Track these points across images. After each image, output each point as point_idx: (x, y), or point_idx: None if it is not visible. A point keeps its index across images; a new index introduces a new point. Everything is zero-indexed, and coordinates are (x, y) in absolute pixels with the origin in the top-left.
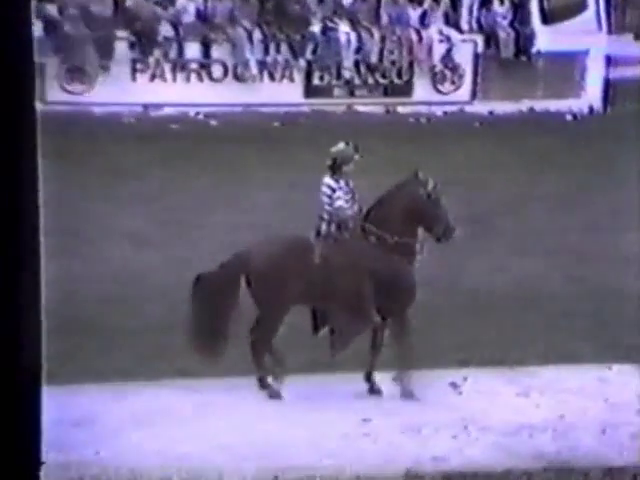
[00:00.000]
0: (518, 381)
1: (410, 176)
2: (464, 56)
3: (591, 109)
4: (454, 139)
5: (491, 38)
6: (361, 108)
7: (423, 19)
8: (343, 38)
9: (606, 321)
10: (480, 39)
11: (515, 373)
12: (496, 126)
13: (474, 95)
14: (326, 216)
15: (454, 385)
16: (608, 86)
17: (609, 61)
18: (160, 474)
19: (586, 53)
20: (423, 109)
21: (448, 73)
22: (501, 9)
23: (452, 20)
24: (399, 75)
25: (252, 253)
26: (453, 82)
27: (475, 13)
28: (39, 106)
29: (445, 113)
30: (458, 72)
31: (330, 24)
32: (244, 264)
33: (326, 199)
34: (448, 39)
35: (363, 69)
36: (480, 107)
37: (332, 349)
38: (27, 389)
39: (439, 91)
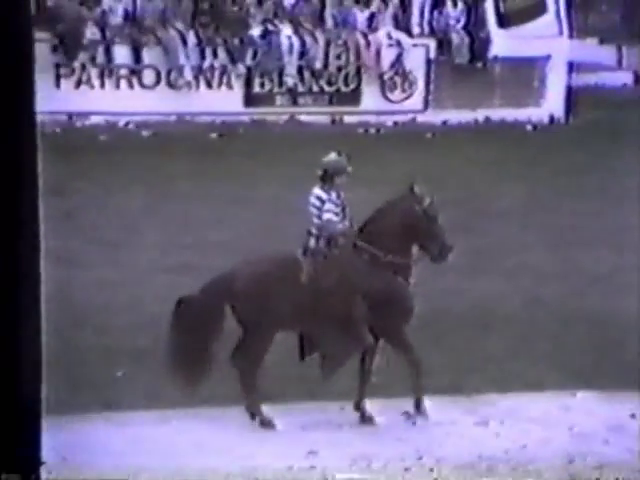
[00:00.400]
0: (476, 410)
1: (405, 191)
2: (415, 62)
3: (552, 118)
4: (405, 151)
5: (444, 43)
6: (305, 118)
7: (371, 22)
8: (285, 42)
9: (569, 345)
10: (432, 44)
11: (473, 402)
12: (450, 137)
13: (426, 104)
14: (315, 231)
15: (408, 414)
16: (570, 94)
17: (571, 67)
18: None
19: (547, 59)
20: (372, 119)
21: (398, 80)
22: (454, 12)
23: (402, 23)
24: (346, 82)
25: (235, 275)
26: (404, 90)
27: (427, 16)
28: None
29: (395, 123)
30: (409, 79)
31: (271, 27)
32: (227, 288)
33: (315, 211)
34: (398, 43)
35: (307, 76)
36: (433, 117)
37: (323, 373)
38: (27, 389)
39: (389, 100)
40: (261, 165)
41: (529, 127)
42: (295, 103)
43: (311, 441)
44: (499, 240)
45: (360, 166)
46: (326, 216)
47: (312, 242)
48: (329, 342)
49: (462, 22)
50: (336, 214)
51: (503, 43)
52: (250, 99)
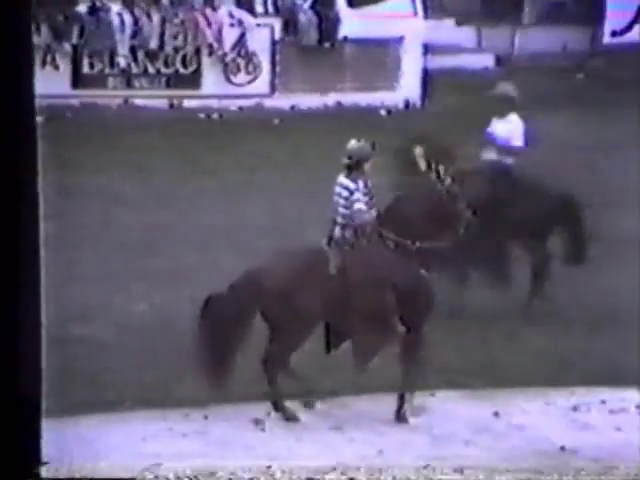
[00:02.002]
0: (330, 414)
1: (426, 173)
2: (260, 43)
3: (407, 103)
4: (250, 137)
5: (290, 23)
6: (140, 101)
7: (211, 0)
8: (115, 20)
9: (428, 343)
10: (278, 24)
11: (328, 405)
12: (299, 122)
13: (273, 88)
14: (341, 220)
15: (257, 421)
16: (426, 77)
17: (427, 49)
18: None
19: (400, 40)
20: (214, 103)
21: (242, 62)
22: None
23: (244, 2)
24: (184, 64)
25: (263, 272)
26: (248, 72)
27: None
28: None
29: (240, 108)
30: (253, 61)
31: (99, 3)
32: (256, 286)
33: (342, 201)
34: (240, 23)
35: (141, 56)
36: (280, 101)
37: (356, 364)
38: (27, 391)
39: (232, 83)
40: (92, 152)
41: (383, 112)
42: (129, 85)
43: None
44: None
45: (200, 154)
46: (356, 206)
47: (337, 232)
48: (361, 333)
49: (309, 1)
50: (365, 203)
51: (353, 23)
52: (78, 81)
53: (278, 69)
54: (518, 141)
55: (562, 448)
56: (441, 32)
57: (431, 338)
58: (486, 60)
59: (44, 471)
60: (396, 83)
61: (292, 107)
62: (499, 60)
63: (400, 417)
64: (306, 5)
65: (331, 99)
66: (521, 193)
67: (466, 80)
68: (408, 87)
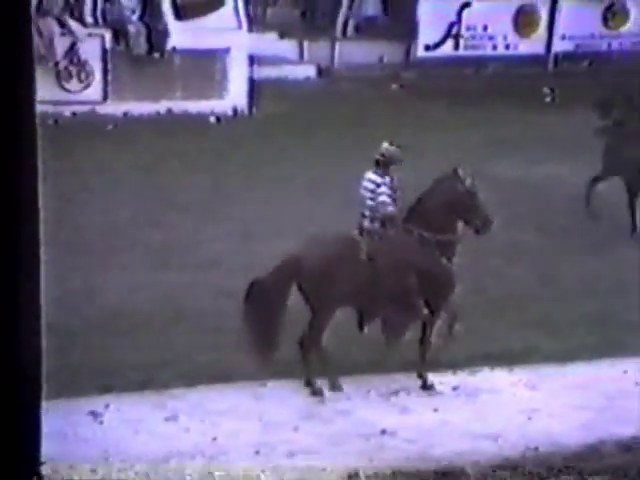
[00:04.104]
0: (165, 405)
1: (449, 173)
2: (91, 52)
3: (235, 110)
4: (84, 143)
5: (120, 33)
6: None
7: (39, 8)
8: None
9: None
10: (108, 34)
11: (162, 397)
12: (132, 128)
13: (106, 95)
14: (368, 212)
15: (94, 414)
16: (253, 86)
17: (252, 60)
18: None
19: (227, 51)
20: (48, 109)
21: (74, 70)
22: (129, 2)
23: (75, 12)
24: None
25: (302, 256)
26: (80, 80)
27: (100, 5)
28: None
29: (74, 114)
30: (85, 69)
31: None
32: (295, 268)
33: (369, 194)
34: (71, 32)
35: None
36: (113, 108)
37: (386, 343)
38: (27, 392)
39: (65, 89)
40: None
41: (212, 119)
42: None
43: None
44: (185, 233)
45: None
46: (381, 198)
47: (367, 223)
48: (389, 314)
49: (137, 13)
50: (389, 196)
51: (182, 35)
52: None
53: (110, 77)
54: None
55: (383, 431)
56: (265, 44)
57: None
58: (308, 71)
59: (44, 471)
60: (224, 92)
61: (125, 114)
62: (320, 71)
63: (428, 387)
64: (134, 17)
65: (162, 106)
66: None
67: (290, 89)
68: (236, 96)
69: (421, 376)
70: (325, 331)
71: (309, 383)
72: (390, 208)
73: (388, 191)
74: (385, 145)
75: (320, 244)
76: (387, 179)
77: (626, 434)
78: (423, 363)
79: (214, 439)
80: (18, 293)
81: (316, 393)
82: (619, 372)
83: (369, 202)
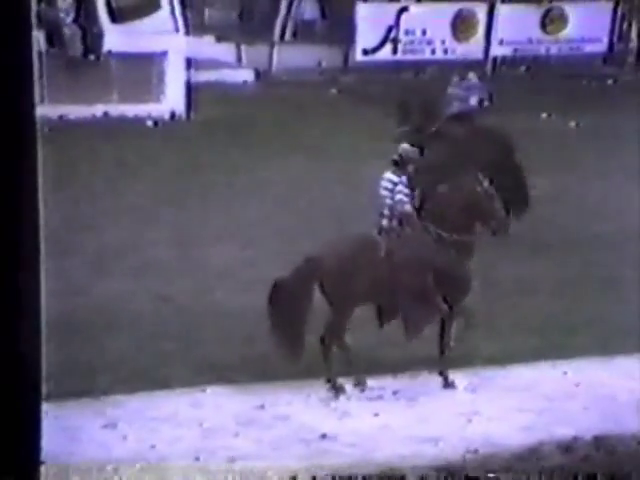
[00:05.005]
0: (104, 412)
1: (467, 175)
2: None
3: (173, 114)
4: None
5: (54, 35)
6: None
7: None
8: None
9: (199, 341)
10: (42, 36)
11: (101, 404)
12: (68, 132)
13: (41, 98)
14: (387, 212)
15: None
16: (190, 90)
17: (190, 64)
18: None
19: (164, 55)
20: None
21: None
22: (64, 4)
23: None
24: None
25: (324, 256)
26: None
27: (34, 7)
28: None
29: None
30: None
31: None
32: (317, 268)
33: (387, 193)
34: None
35: None
36: (49, 111)
37: (407, 338)
38: (27, 392)
39: None
40: None
41: (150, 123)
42: None
43: None
44: (123, 238)
45: None
46: (397, 197)
47: (385, 222)
48: (408, 311)
49: (72, 15)
50: (406, 195)
51: (117, 38)
52: None
53: (45, 80)
54: None
55: (323, 436)
56: (202, 48)
57: (204, 336)
58: (246, 74)
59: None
60: (162, 95)
61: (60, 117)
62: (258, 74)
63: (449, 385)
64: (69, 19)
65: (99, 110)
66: None
67: (228, 92)
68: (173, 99)
69: (442, 373)
70: (346, 328)
71: (330, 380)
72: (407, 206)
73: (405, 190)
74: (402, 145)
75: (340, 244)
76: (404, 178)
77: (566, 435)
78: (444, 360)
79: (153, 446)
80: (18, 293)
81: (337, 390)
82: (559, 374)
83: (387, 201)
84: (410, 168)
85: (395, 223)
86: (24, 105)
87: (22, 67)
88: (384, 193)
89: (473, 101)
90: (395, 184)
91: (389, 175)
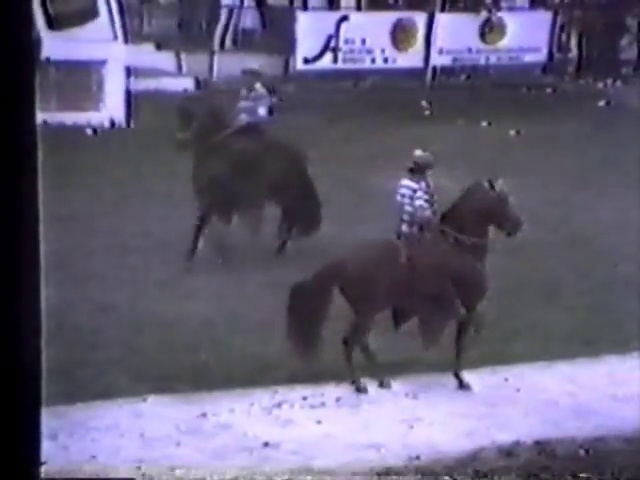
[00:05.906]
0: (44, 423)
1: (481, 181)
2: None
3: (113, 122)
4: None
5: None
6: None
7: None
8: None
9: (139, 350)
10: None
11: (43, 413)
12: None
13: None
14: (406, 217)
15: None
16: (130, 98)
17: (129, 72)
18: None
19: (103, 63)
20: None
21: None
22: None
23: None
24: None
25: (344, 261)
26: None
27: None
28: None
29: None
30: None
31: None
32: (338, 273)
33: (406, 200)
34: None
35: None
36: None
37: (424, 342)
38: (27, 391)
39: None
40: None
41: (89, 131)
42: None
43: None
44: (61, 247)
45: None
46: (417, 203)
47: (405, 228)
48: (426, 314)
49: None
50: (426, 200)
51: (55, 45)
52: None
53: None
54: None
55: (266, 444)
56: (142, 56)
57: (144, 345)
58: (186, 83)
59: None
60: (101, 103)
61: None
62: (199, 83)
63: (464, 386)
64: None
65: (37, 118)
66: None
67: (168, 102)
68: (113, 107)
69: (457, 376)
70: (370, 331)
71: (354, 382)
72: (427, 212)
73: (425, 196)
74: (417, 152)
75: (361, 249)
76: (423, 184)
77: (507, 440)
78: (459, 363)
79: (93, 457)
80: (18, 293)
81: (361, 390)
82: (500, 380)
83: (407, 207)
84: (428, 173)
85: (415, 229)
86: (23, 106)
87: (22, 66)
88: (402, 200)
89: (262, 112)
90: (414, 190)
91: (406, 182)
